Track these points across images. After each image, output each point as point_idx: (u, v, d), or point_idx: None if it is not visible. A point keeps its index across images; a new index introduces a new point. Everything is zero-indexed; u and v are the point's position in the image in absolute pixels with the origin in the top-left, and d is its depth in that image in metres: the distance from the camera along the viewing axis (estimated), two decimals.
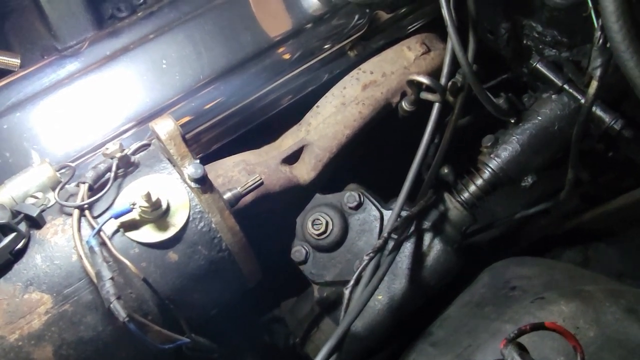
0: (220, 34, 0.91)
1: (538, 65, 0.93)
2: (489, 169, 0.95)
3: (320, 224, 0.97)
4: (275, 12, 0.92)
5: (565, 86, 0.90)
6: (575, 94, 0.89)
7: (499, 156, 0.95)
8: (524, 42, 0.99)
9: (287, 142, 0.98)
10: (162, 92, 0.80)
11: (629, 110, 0.90)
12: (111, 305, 0.52)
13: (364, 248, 0.96)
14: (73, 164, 0.67)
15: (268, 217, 0.95)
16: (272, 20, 0.92)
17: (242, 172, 0.88)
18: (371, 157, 1.13)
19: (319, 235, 0.97)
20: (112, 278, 0.53)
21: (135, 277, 0.55)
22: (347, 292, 0.85)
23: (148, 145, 0.68)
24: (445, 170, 1.02)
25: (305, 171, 0.98)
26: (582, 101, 0.85)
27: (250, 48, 0.90)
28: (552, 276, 0.83)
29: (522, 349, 0.49)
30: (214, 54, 0.87)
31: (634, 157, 0.94)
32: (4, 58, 0.85)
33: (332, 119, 0.97)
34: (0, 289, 0.53)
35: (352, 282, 0.85)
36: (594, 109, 0.86)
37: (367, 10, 1.01)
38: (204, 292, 0.61)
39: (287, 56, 0.97)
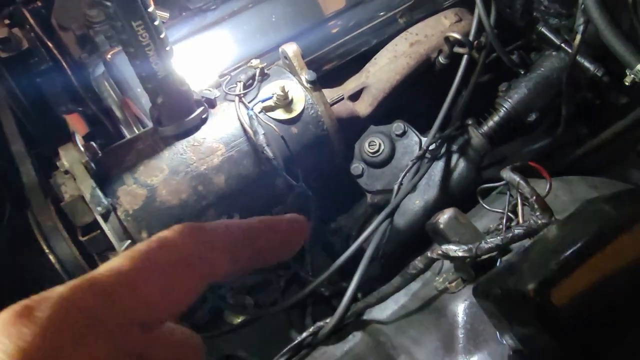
0: (303, 3, 1.25)
1: (543, 29, 1.23)
2: (503, 108, 1.26)
3: (374, 144, 1.29)
4: None
5: (562, 45, 1.21)
6: (568, 49, 1.20)
7: (511, 97, 1.26)
8: (534, 14, 1.30)
9: (351, 84, 1.31)
10: (272, 37, 1.14)
11: (611, 64, 1.20)
12: (264, 150, 0.86)
13: (407, 164, 1.28)
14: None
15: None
16: None
17: None
18: (413, 101, 1.45)
19: (373, 153, 1.29)
20: (264, 134, 0.87)
21: (275, 137, 0.88)
22: (396, 186, 1.18)
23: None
24: (469, 121, 1.34)
25: (364, 106, 1.31)
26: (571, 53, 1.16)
27: (329, 11, 1.24)
28: None
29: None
30: (303, 14, 1.21)
31: (614, 100, 1.24)
32: (159, 12, 1.19)
33: (386, 67, 1.29)
34: (196, 139, 0.87)
35: (399, 181, 1.18)
36: (581, 60, 1.16)
37: None
38: (311, 156, 0.94)
39: (353, 20, 1.30)
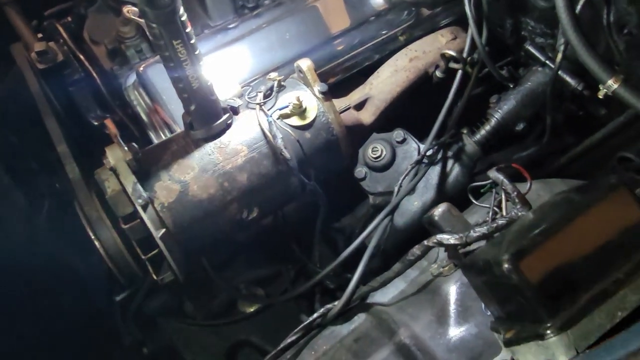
0: (313, 22, 1.38)
1: (530, 47, 1.36)
2: (494, 118, 1.38)
3: (377, 150, 1.40)
4: (355, 7, 1.38)
5: (547, 61, 1.34)
6: (552, 66, 1.32)
7: (501, 108, 1.38)
8: (522, 33, 1.43)
9: (356, 95, 1.43)
10: (287, 51, 1.27)
11: (590, 80, 1.33)
12: (282, 152, 0.98)
13: (406, 169, 1.41)
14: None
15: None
16: (351, 12, 1.39)
17: None
18: (411, 111, 1.58)
19: (375, 158, 1.41)
20: (282, 138, 0.99)
21: (291, 141, 1.01)
22: (396, 188, 1.30)
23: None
24: (465, 131, 1.47)
25: (367, 115, 1.43)
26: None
27: (337, 30, 1.37)
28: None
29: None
30: (314, 32, 1.34)
31: (594, 112, 1.37)
32: None
33: (388, 80, 1.42)
34: (222, 141, 1.00)
35: (399, 183, 1.30)
36: (563, 76, 1.29)
37: (414, 8, 1.48)
38: (322, 159, 1.06)
39: (358, 37, 1.43)
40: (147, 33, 0.88)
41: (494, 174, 0.90)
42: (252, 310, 1.33)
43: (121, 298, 1.39)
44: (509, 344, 0.63)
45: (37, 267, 1.13)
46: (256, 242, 1.23)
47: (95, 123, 1.44)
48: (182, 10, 0.85)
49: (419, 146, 1.42)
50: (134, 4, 1.26)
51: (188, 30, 0.87)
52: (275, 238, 1.29)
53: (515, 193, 0.85)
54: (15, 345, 1.22)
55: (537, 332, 0.58)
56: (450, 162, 1.40)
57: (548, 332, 0.57)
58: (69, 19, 1.58)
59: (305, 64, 1.06)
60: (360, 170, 1.42)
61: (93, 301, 1.41)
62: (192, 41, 0.88)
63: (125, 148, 0.92)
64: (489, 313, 0.77)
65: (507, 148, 1.56)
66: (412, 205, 1.40)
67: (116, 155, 0.92)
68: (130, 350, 1.36)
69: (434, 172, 1.39)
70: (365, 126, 1.42)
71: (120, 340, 1.39)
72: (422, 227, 1.40)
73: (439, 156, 1.38)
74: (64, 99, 1.43)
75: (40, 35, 1.59)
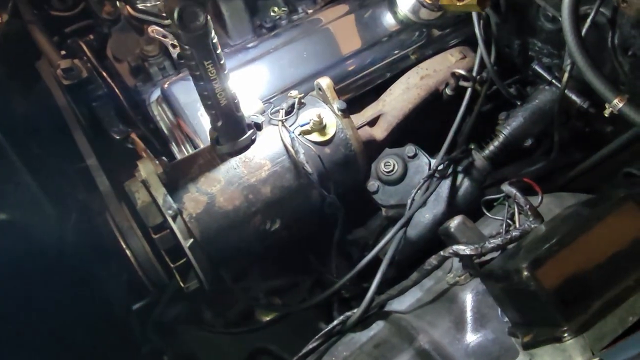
0: (329, 42, 1.44)
1: (537, 67, 1.42)
2: (503, 134, 1.44)
3: (389, 165, 1.45)
4: (369, 28, 1.44)
5: (553, 80, 1.39)
6: (558, 84, 1.38)
7: (509, 125, 1.43)
8: (529, 53, 1.49)
9: (369, 112, 1.49)
10: (304, 70, 1.33)
11: (595, 98, 1.38)
12: (304, 166, 1.03)
13: (417, 183, 1.45)
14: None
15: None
16: (365, 32, 1.45)
17: None
18: (421, 127, 1.63)
19: (387, 172, 1.46)
20: (303, 153, 1.04)
21: (312, 156, 1.06)
22: (409, 201, 1.35)
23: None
24: (472, 146, 1.52)
25: (380, 132, 1.48)
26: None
27: (351, 50, 1.43)
28: None
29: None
30: (329, 52, 1.40)
31: (600, 129, 1.42)
32: None
33: (400, 97, 1.47)
34: (247, 156, 1.05)
35: (411, 197, 1.35)
36: (570, 94, 1.34)
37: (424, 29, 1.54)
38: (341, 173, 1.11)
39: (371, 56, 1.49)
40: (180, 53, 0.93)
41: (507, 187, 0.95)
42: (269, 318, 1.37)
43: (138, 307, 1.43)
44: (527, 347, 0.67)
45: (65, 277, 1.17)
46: (272, 253, 1.28)
47: (117, 137, 1.49)
48: (213, 33, 0.90)
49: (429, 161, 1.47)
50: (158, 24, 1.32)
51: (218, 51, 0.92)
52: (291, 249, 1.34)
53: (528, 206, 0.90)
54: (38, 353, 1.25)
55: (555, 336, 0.62)
56: (460, 177, 1.45)
57: (565, 335, 0.61)
58: (91, 37, 1.64)
59: (325, 82, 1.11)
60: (373, 184, 1.47)
61: (113, 310, 1.45)
62: (222, 62, 0.93)
63: (157, 162, 0.97)
64: (505, 319, 0.81)
65: (514, 163, 1.61)
66: (424, 217, 1.45)
67: (148, 169, 0.96)
68: (149, 359, 1.40)
69: (445, 186, 1.44)
70: (378, 141, 1.46)
71: (139, 348, 1.43)
72: (433, 239, 1.45)
73: (450, 171, 1.43)
74: (87, 113, 1.48)
75: (63, 52, 1.65)
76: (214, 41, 0.90)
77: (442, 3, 1.24)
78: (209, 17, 0.88)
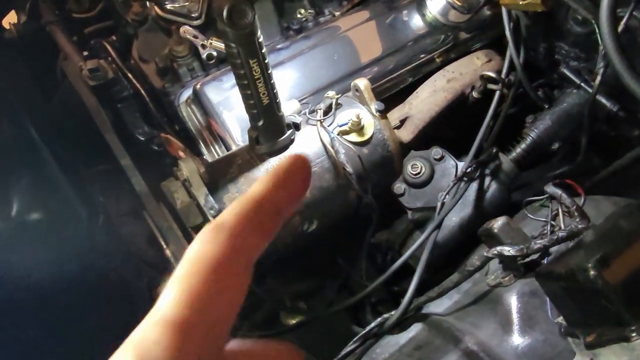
0: (358, 45, 1.44)
1: (565, 71, 1.43)
2: (530, 137, 1.44)
3: (416, 167, 1.45)
4: (397, 30, 1.44)
5: (582, 84, 1.40)
6: (587, 88, 1.38)
7: (537, 128, 1.43)
8: (555, 57, 1.49)
9: (396, 114, 1.49)
10: (336, 71, 1.33)
11: (626, 101, 1.39)
12: (345, 167, 1.02)
13: (444, 186, 1.45)
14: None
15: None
16: (393, 35, 1.45)
17: None
18: (445, 130, 1.63)
19: (415, 175, 1.46)
20: (343, 153, 1.04)
21: (351, 156, 1.05)
22: (438, 204, 1.35)
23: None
24: (494, 149, 1.52)
25: (406, 134, 1.48)
26: (591, 91, 1.35)
27: (378, 52, 1.43)
28: None
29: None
30: (359, 54, 1.40)
31: (627, 133, 1.42)
32: None
33: (427, 99, 1.47)
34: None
35: (441, 200, 1.34)
36: (599, 97, 1.35)
37: (452, 32, 1.54)
38: (377, 174, 1.11)
39: (398, 60, 1.49)
40: (225, 51, 0.93)
41: (551, 188, 0.95)
42: (295, 322, 1.36)
43: None
44: (591, 347, 0.66)
45: (93, 279, 1.16)
46: (305, 255, 1.27)
47: (142, 138, 1.48)
48: (259, 32, 0.90)
49: (456, 163, 1.47)
50: (189, 25, 1.31)
51: (263, 50, 0.92)
52: (320, 251, 1.33)
53: (575, 207, 0.89)
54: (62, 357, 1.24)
55: (623, 335, 0.62)
56: (487, 179, 1.44)
57: (633, 334, 0.61)
58: (114, 37, 1.64)
59: (362, 83, 1.11)
60: (399, 187, 1.47)
61: (135, 312, 1.44)
62: (267, 60, 0.93)
63: (199, 160, 0.97)
64: (555, 321, 0.81)
65: (538, 166, 1.61)
66: (451, 220, 1.44)
67: (190, 168, 0.96)
68: None
69: (472, 189, 1.44)
70: (404, 144, 1.46)
71: None
72: (461, 241, 1.45)
73: (477, 174, 1.43)
74: (112, 114, 1.48)
75: (85, 53, 1.64)
76: (260, 40, 0.90)
77: (502, 2, 1.24)
78: (256, 16, 0.87)
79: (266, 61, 0.93)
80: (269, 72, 0.94)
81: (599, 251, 0.65)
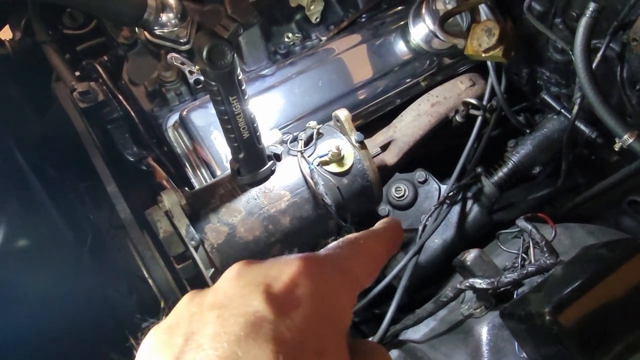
0: (343, 71, 1.47)
1: (545, 97, 1.45)
2: (511, 161, 1.47)
3: (400, 190, 1.48)
4: (382, 56, 1.47)
5: (562, 110, 1.43)
6: (567, 115, 1.41)
7: (518, 152, 1.46)
8: (537, 82, 1.52)
9: (380, 137, 1.52)
10: (319, 98, 1.35)
11: (604, 127, 1.42)
12: (323, 197, 1.05)
13: (427, 208, 1.47)
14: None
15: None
16: (378, 61, 1.48)
17: None
18: (430, 152, 1.66)
19: (398, 197, 1.49)
20: (322, 184, 1.07)
21: (331, 187, 1.08)
22: (420, 227, 1.37)
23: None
24: (479, 169, 1.55)
25: (391, 157, 1.50)
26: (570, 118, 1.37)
27: (364, 78, 1.45)
28: None
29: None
30: (344, 80, 1.43)
31: (606, 157, 1.45)
32: None
33: (411, 123, 1.50)
34: (267, 186, 1.07)
35: (423, 223, 1.37)
36: (578, 124, 1.37)
37: (436, 58, 1.57)
38: (357, 203, 1.13)
39: (384, 84, 1.52)
40: (206, 90, 0.95)
41: (522, 223, 0.98)
42: None
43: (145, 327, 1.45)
44: None
45: (79, 301, 1.19)
46: None
47: (132, 159, 1.51)
48: (239, 70, 0.92)
49: (440, 186, 1.50)
50: (176, 51, 1.34)
51: (243, 87, 0.94)
52: None
53: (544, 242, 0.92)
54: None
55: None
56: (469, 203, 1.47)
57: None
58: (105, 58, 1.66)
59: (342, 114, 1.13)
60: (383, 208, 1.50)
61: (125, 334, 1.46)
62: (246, 97, 0.95)
63: (180, 193, 0.99)
64: (522, 355, 0.83)
65: (519, 187, 1.64)
66: (433, 242, 1.47)
67: (171, 200, 0.98)
68: None
69: (454, 211, 1.47)
70: (388, 167, 1.49)
71: None
72: (443, 263, 1.48)
73: (459, 197, 1.46)
74: (102, 136, 1.50)
75: (77, 73, 1.67)
76: (240, 78, 0.93)
77: (467, 53, 1.28)
78: (235, 55, 0.90)
79: (246, 97, 0.96)
80: (248, 107, 0.97)
81: (557, 296, 0.68)
